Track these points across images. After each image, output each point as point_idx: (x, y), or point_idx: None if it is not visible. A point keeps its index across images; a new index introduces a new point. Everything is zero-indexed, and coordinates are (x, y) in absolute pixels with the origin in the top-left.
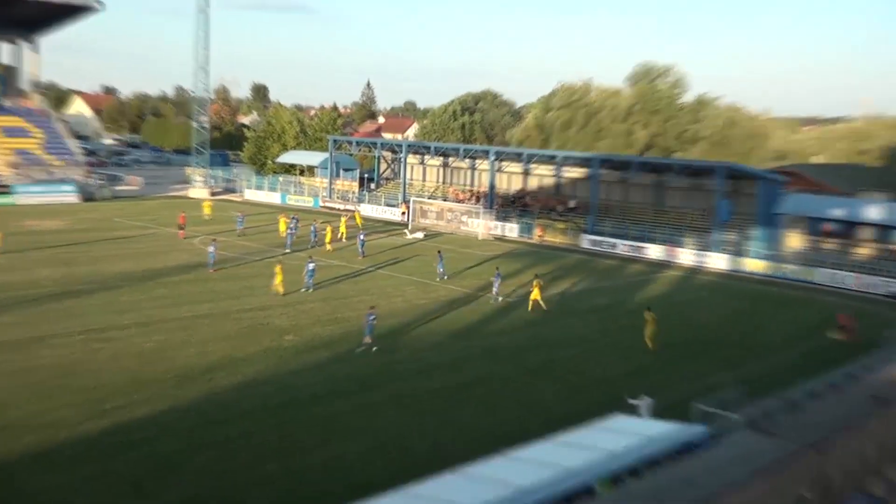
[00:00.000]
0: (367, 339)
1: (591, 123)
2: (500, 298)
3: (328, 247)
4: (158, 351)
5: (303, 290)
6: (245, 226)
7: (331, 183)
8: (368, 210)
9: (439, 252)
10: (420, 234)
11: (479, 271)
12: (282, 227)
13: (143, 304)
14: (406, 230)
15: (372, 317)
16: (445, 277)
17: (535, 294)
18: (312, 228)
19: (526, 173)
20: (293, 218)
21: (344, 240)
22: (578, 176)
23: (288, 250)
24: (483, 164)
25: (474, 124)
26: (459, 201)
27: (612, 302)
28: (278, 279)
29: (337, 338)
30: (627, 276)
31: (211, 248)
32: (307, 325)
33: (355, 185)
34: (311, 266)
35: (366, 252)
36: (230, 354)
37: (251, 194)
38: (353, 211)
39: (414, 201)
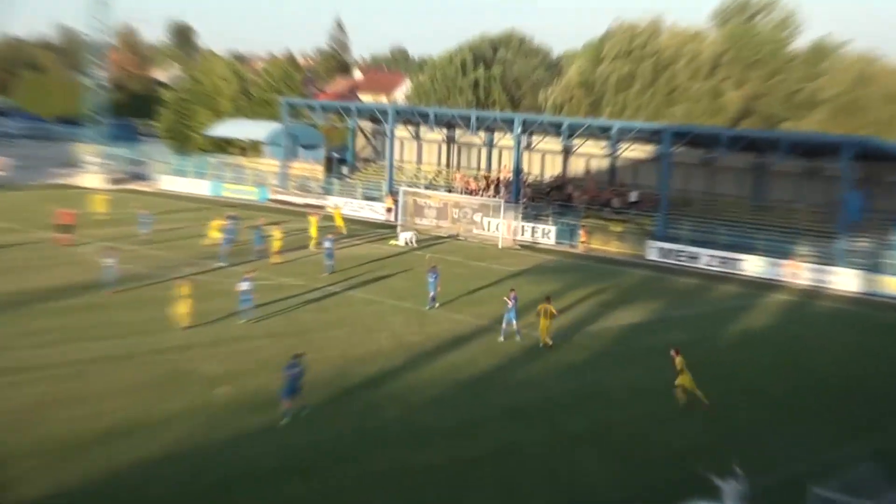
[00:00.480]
0: (287, 404)
1: (662, 81)
2: (503, 336)
3: (276, 258)
4: (36, 409)
5: (241, 321)
6: (156, 227)
7: (284, 166)
8: (338, 205)
9: (434, 268)
10: (410, 236)
11: (498, 293)
12: (213, 232)
13: (15, 341)
14: (396, 235)
15: (295, 368)
16: (436, 305)
17: (543, 325)
18: (256, 232)
19: (567, 152)
20: (230, 218)
21: (313, 247)
22: (643, 156)
23: (223, 263)
24: (506, 139)
25: (492, 81)
26: (471, 192)
27: (691, 339)
28: (183, 306)
29: None
30: (714, 302)
31: (109, 261)
32: (249, 371)
33: (320, 168)
34: (244, 285)
35: (335, 266)
36: (138, 414)
37: (169, 182)
38: (331, 208)
39: (405, 192)
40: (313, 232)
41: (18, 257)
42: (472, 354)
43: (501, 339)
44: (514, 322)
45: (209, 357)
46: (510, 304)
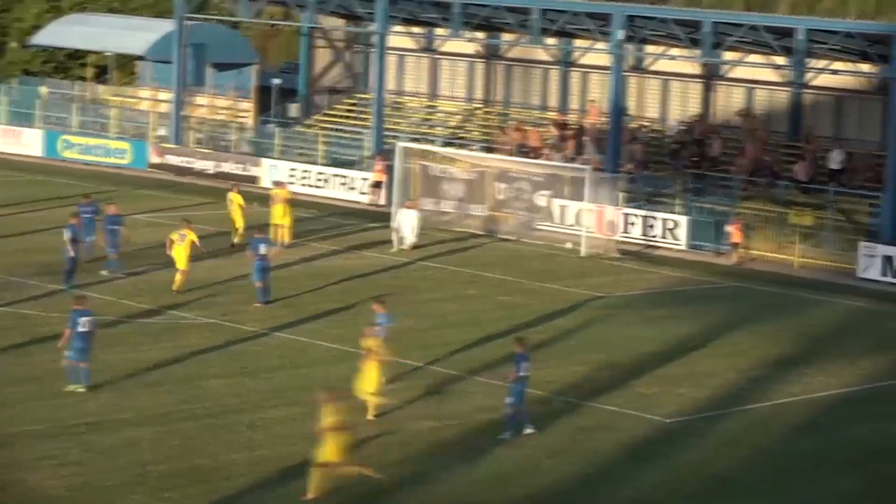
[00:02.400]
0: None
1: None
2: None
3: (180, 280)
4: None
5: (70, 387)
6: None
7: (179, 100)
8: (276, 175)
9: (380, 302)
10: (408, 221)
11: (585, 339)
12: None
13: None
14: (394, 232)
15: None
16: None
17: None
18: (110, 227)
19: (709, 79)
20: (85, 208)
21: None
22: (854, 86)
23: (64, 287)
24: (596, 55)
25: None
26: (531, 152)
27: None
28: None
29: None
30: None
31: None
32: None
33: (247, 107)
34: (80, 321)
35: (271, 290)
36: None
37: None
38: (274, 188)
39: (406, 152)
40: (282, 218)
41: None
42: (531, 453)
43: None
44: (512, 407)
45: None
46: (515, 373)
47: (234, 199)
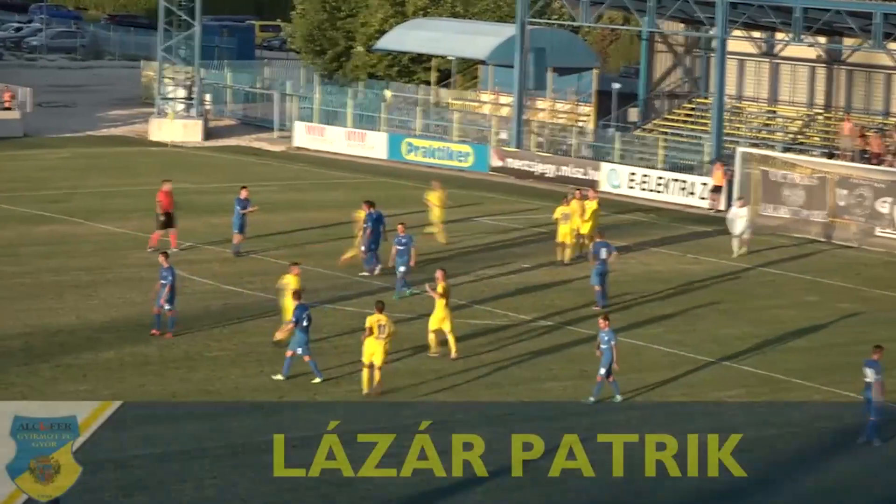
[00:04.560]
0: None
1: None
2: None
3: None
4: None
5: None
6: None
7: (520, 104)
8: (615, 179)
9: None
10: (741, 230)
11: None
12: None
13: None
14: (735, 237)
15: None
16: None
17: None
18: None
19: None
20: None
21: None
22: None
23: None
24: None
25: None
26: (873, 158)
27: None
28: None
29: None
30: None
31: (163, 280)
32: None
33: (588, 111)
34: (304, 316)
35: (607, 295)
36: None
37: (310, 135)
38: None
39: (746, 157)
40: (582, 227)
41: (51, 269)
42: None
43: None
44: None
45: None
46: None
47: (588, 207)
